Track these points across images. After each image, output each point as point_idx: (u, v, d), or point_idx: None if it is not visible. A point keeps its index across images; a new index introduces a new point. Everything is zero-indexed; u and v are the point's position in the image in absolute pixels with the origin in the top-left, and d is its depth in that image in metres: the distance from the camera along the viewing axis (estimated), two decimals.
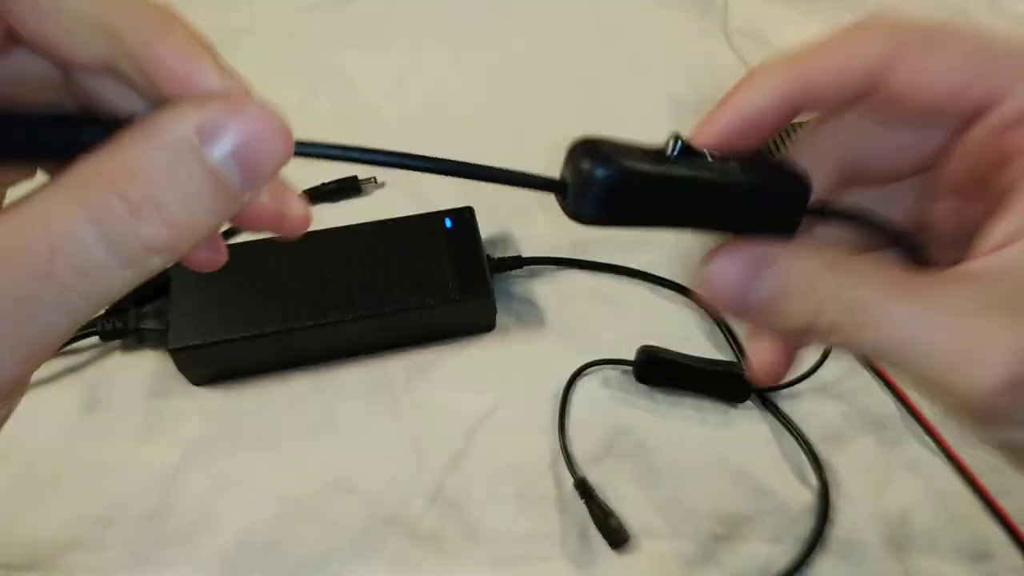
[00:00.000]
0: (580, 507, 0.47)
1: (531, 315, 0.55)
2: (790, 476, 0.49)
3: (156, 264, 0.18)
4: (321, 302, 0.49)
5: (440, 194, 0.56)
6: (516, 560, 0.46)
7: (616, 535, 0.45)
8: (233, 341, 0.48)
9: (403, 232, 0.53)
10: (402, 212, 0.54)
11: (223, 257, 0.24)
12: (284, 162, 0.18)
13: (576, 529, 0.47)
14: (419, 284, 0.50)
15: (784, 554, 0.46)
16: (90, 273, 0.17)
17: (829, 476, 0.48)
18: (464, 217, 0.53)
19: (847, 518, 0.47)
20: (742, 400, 0.51)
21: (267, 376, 0.52)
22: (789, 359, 0.28)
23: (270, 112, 0.18)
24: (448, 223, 0.53)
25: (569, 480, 0.48)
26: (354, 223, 0.53)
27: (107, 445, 0.49)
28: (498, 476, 0.49)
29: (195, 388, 0.52)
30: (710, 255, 0.23)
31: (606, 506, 0.47)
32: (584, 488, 0.47)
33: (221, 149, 0.17)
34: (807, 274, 0.22)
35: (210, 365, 0.51)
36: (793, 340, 0.27)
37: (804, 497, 0.48)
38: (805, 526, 0.47)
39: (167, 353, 0.48)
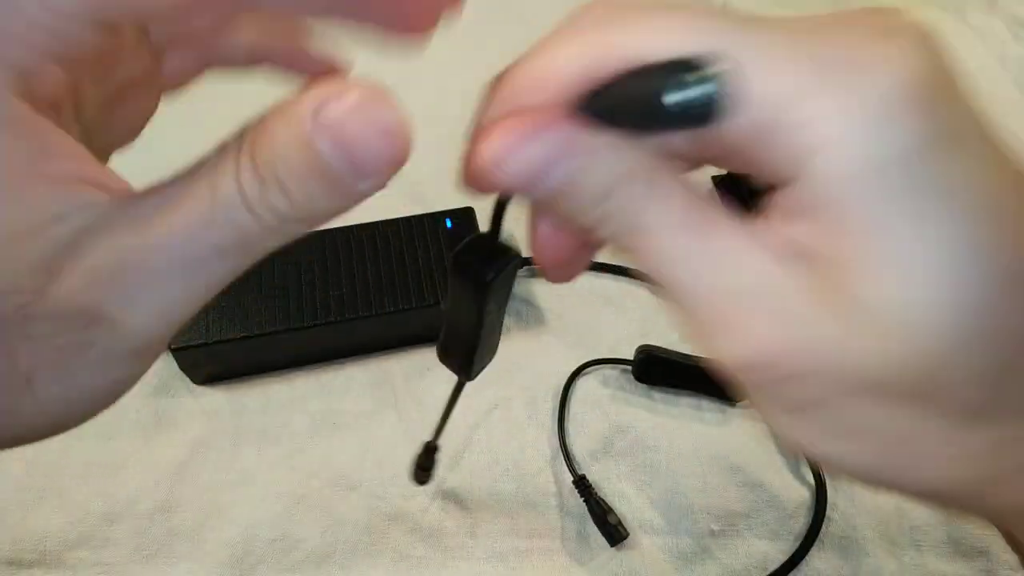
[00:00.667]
0: (579, 504, 0.47)
1: (531, 315, 0.56)
2: (786, 473, 0.49)
3: (292, 230, 0.18)
4: (323, 302, 0.50)
5: (441, 195, 0.56)
6: (516, 556, 0.46)
7: (614, 532, 0.46)
8: (235, 341, 0.49)
9: (405, 232, 0.53)
10: (403, 213, 0.54)
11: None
12: (392, 163, 0.17)
13: (575, 526, 0.47)
14: (420, 284, 0.51)
15: (781, 550, 0.46)
16: (236, 228, 0.18)
17: (825, 473, 0.49)
18: (465, 218, 0.54)
19: (843, 514, 0.48)
20: (740, 399, 0.52)
21: (269, 375, 0.53)
22: (582, 256, 0.23)
23: (385, 111, 0.17)
24: (449, 224, 0.53)
25: (568, 477, 0.48)
26: (355, 223, 0.54)
27: (113, 443, 0.50)
28: (498, 473, 0.49)
29: (198, 387, 0.52)
30: (495, 130, 0.19)
31: (604, 503, 0.47)
32: (583, 485, 0.48)
33: (328, 141, 0.17)
34: (604, 178, 0.19)
35: (212, 364, 0.51)
36: (582, 235, 0.22)
37: (800, 494, 0.49)
38: (802, 522, 0.47)
39: (170, 353, 0.49)
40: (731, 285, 0.19)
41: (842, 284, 0.18)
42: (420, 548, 0.46)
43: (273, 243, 0.18)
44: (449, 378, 0.30)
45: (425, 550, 0.46)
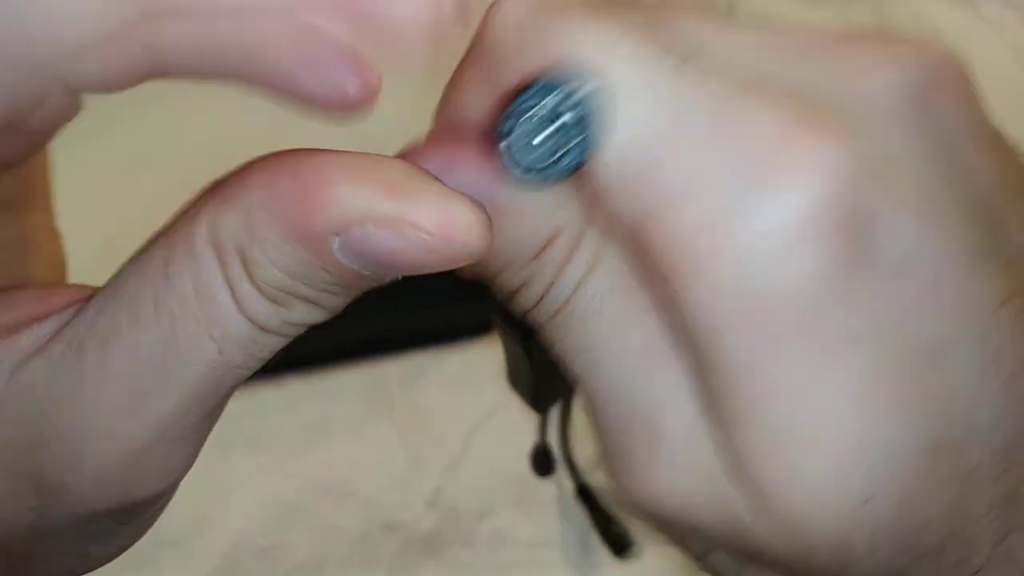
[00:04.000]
0: (582, 513, 0.46)
1: None
2: None
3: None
4: None
5: None
6: (516, 567, 0.45)
7: (619, 542, 0.45)
8: None
9: None
10: None
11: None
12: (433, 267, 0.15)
13: (577, 535, 0.46)
14: (416, 285, 0.50)
15: None
16: (248, 355, 0.16)
17: None
18: None
19: None
20: None
21: (260, 379, 0.52)
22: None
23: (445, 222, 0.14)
24: None
25: (570, 485, 0.47)
26: None
27: None
28: (498, 480, 0.48)
29: None
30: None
31: (609, 512, 0.46)
32: (586, 493, 0.46)
33: (361, 260, 0.15)
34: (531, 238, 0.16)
35: None
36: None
37: None
38: None
39: None
40: (648, 415, 0.16)
41: (739, 448, 0.15)
42: (416, 559, 0.46)
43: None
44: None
45: (421, 561, 0.45)
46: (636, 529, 0.46)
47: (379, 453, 0.49)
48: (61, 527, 0.17)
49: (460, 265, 0.15)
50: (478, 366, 0.52)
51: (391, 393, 0.51)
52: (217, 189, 0.15)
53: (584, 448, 0.49)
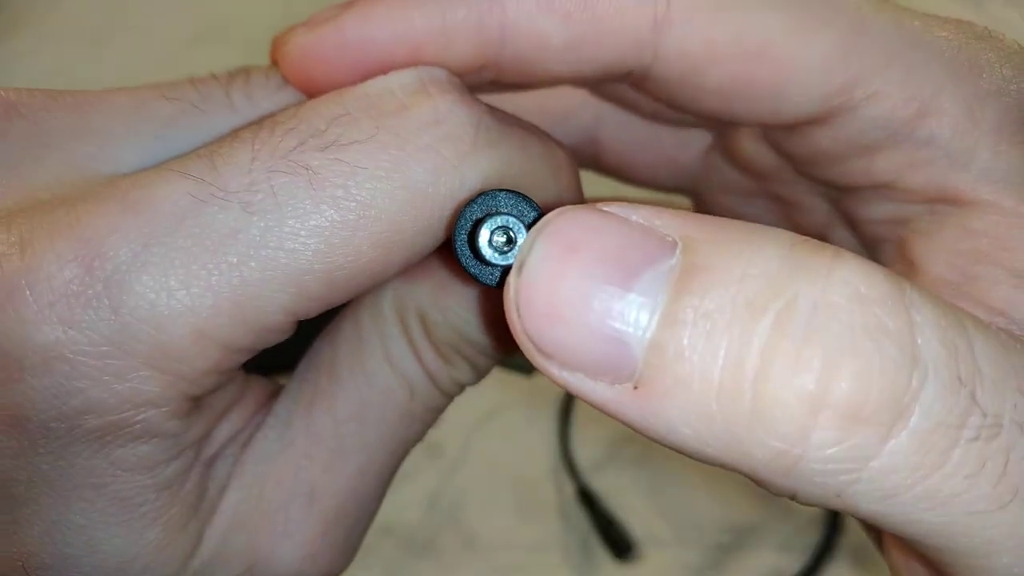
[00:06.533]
0: (582, 515, 0.46)
1: None
2: None
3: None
4: None
5: None
6: (515, 569, 0.45)
7: (619, 544, 0.45)
8: None
9: None
10: None
11: None
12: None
13: (578, 538, 0.46)
14: None
15: (794, 562, 0.45)
16: (430, 411, 0.21)
17: None
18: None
19: (858, 525, 0.46)
20: None
21: None
22: None
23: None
24: None
25: (571, 487, 0.47)
26: None
27: None
28: (497, 483, 0.48)
29: None
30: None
31: (609, 514, 0.46)
32: (586, 495, 0.46)
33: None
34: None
35: None
36: None
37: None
38: (814, 534, 0.46)
39: None
40: None
41: None
42: (414, 563, 0.45)
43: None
44: None
45: (419, 565, 0.45)
46: (636, 532, 0.46)
47: None
48: None
49: None
50: None
51: None
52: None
53: (585, 450, 0.49)
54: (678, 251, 0.13)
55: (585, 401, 0.15)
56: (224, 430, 0.19)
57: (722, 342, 0.13)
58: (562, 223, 0.14)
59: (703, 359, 0.13)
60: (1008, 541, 0.13)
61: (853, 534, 0.46)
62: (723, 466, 0.14)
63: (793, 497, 0.14)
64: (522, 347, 0.14)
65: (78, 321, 0.15)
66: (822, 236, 0.21)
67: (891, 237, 0.19)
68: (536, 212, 0.16)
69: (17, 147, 0.17)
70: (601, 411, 0.15)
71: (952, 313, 0.14)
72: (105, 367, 0.15)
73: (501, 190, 0.16)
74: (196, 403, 0.17)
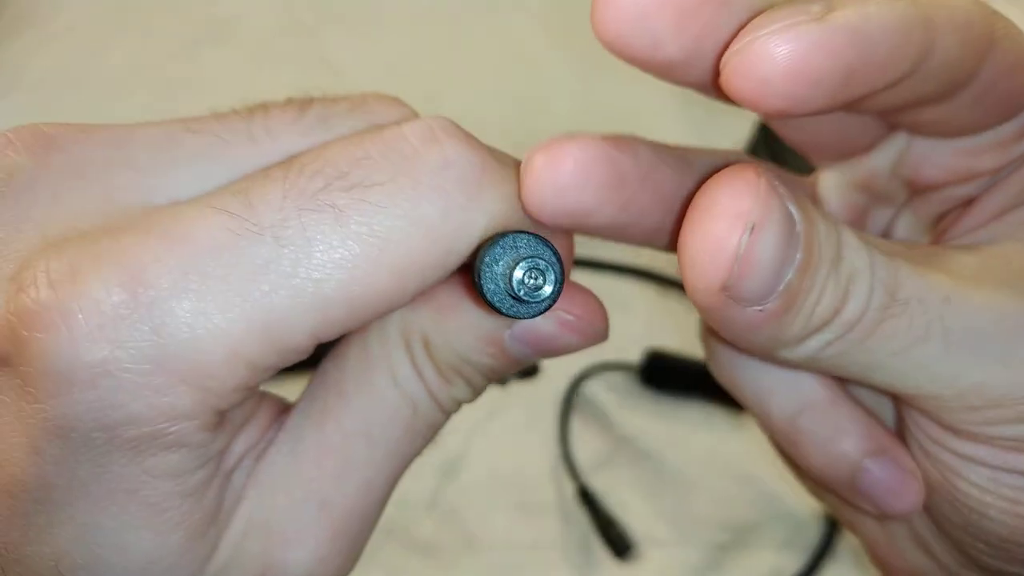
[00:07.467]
0: (582, 515, 0.46)
1: None
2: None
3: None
4: None
5: None
6: (516, 569, 0.45)
7: (619, 543, 0.44)
8: None
9: None
10: None
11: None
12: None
13: (577, 537, 0.46)
14: None
15: (793, 562, 0.45)
16: (432, 427, 0.22)
17: None
18: None
19: None
20: None
21: None
22: None
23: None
24: None
25: (571, 487, 0.47)
26: None
27: None
28: (497, 483, 0.48)
29: None
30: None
31: (609, 514, 0.46)
32: (586, 495, 0.46)
33: (529, 350, 0.21)
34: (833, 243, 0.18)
35: None
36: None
37: (813, 503, 0.47)
38: (815, 533, 0.46)
39: None
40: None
41: None
42: (415, 563, 0.45)
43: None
44: None
45: (420, 565, 0.45)
46: (635, 531, 0.46)
47: None
48: None
49: (593, 344, 0.22)
50: None
51: None
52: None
53: (585, 450, 0.49)
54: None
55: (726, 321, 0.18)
56: (241, 443, 0.20)
57: None
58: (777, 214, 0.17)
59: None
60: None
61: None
62: None
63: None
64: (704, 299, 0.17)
65: (124, 341, 0.16)
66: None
67: None
68: (551, 250, 0.18)
69: (58, 179, 0.18)
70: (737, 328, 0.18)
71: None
72: (146, 383, 0.17)
73: (520, 232, 0.18)
74: (222, 417, 0.18)
